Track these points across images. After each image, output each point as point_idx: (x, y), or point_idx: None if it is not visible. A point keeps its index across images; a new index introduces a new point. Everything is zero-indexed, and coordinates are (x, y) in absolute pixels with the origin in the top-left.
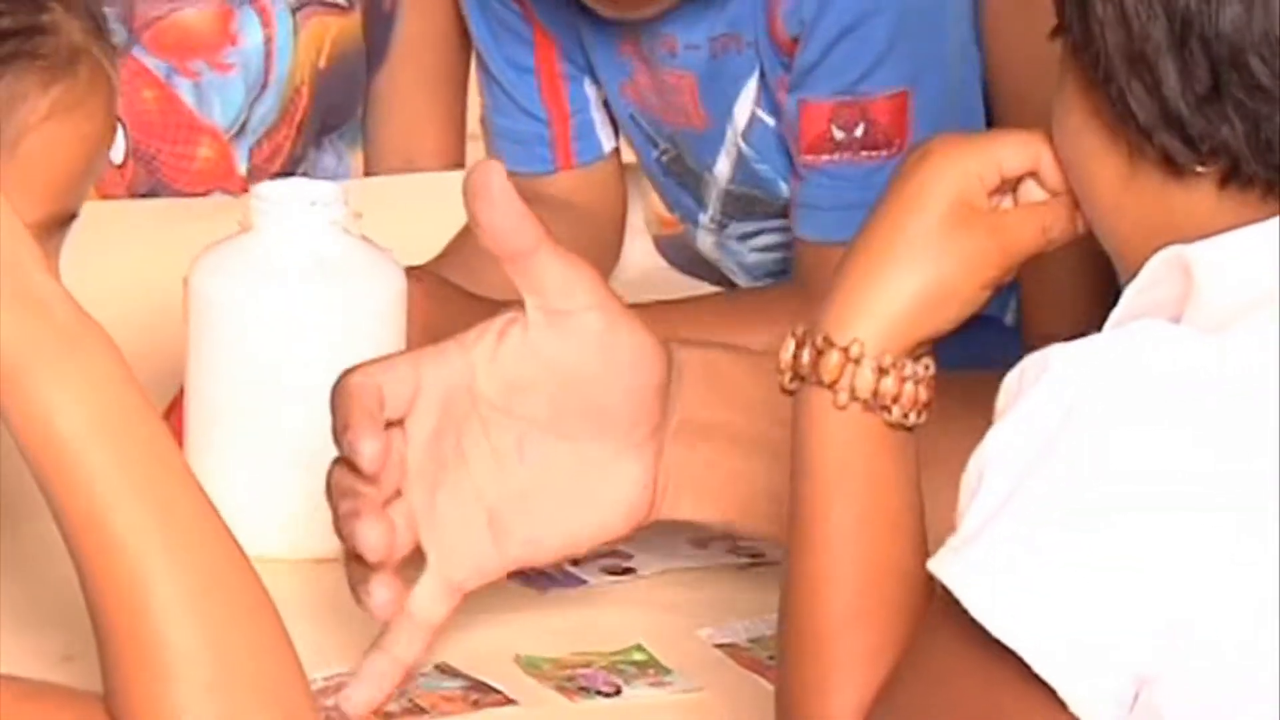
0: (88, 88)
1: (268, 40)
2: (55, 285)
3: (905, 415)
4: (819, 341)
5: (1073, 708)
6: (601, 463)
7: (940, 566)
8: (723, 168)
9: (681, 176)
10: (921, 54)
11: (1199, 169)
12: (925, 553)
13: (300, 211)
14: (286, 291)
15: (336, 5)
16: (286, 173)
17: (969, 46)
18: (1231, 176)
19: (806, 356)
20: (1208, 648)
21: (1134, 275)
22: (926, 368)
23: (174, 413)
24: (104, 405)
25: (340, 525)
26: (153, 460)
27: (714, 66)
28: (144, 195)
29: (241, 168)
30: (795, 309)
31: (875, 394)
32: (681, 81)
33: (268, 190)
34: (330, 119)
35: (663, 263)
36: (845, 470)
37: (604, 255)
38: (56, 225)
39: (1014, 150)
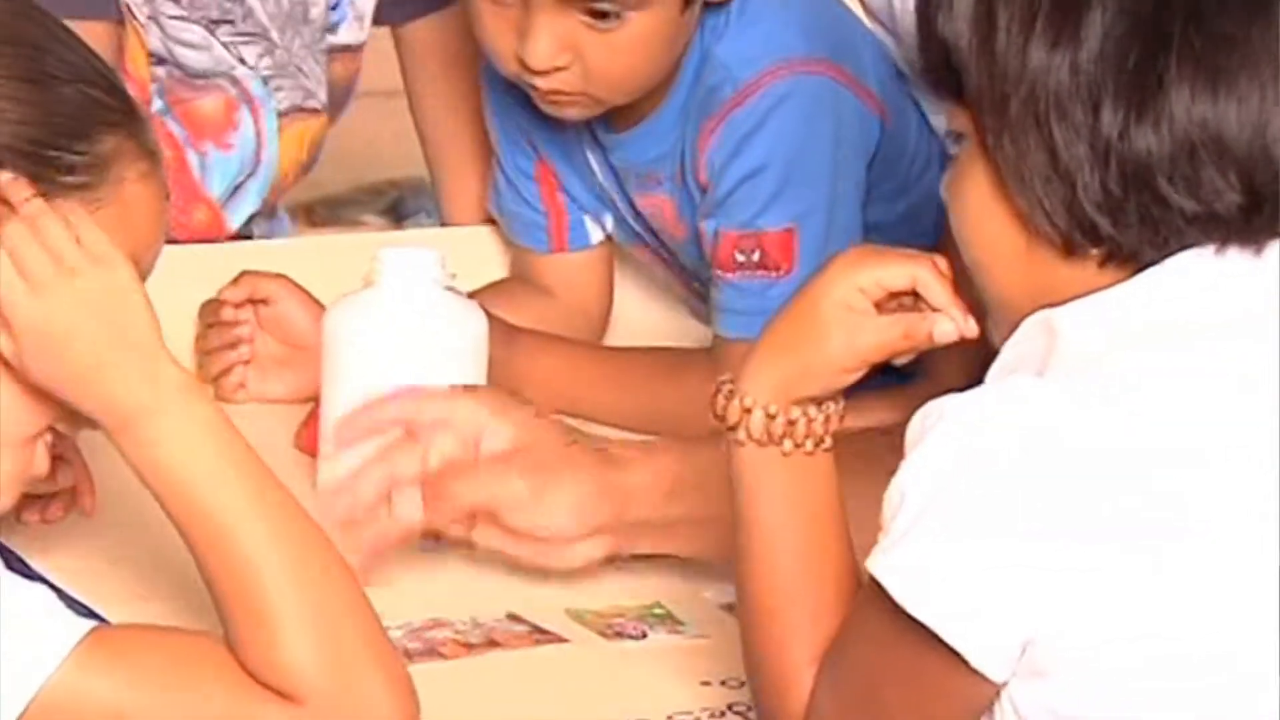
0: (162, 181)
1: (258, 134)
2: (166, 350)
3: (799, 446)
4: (727, 392)
5: (973, 663)
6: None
7: (872, 564)
8: (707, 272)
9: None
10: (805, 199)
11: (1089, 252)
12: (847, 534)
13: (411, 272)
14: (398, 332)
15: (313, 110)
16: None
17: (856, 187)
18: (1114, 255)
19: (721, 401)
20: (1065, 625)
21: (1010, 330)
22: (825, 410)
23: (310, 423)
24: (217, 439)
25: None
26: (250, 468)
27: (680, 192)
28: None
29: (232, 227)
30: (704, 372)
31: (767, 433)
32: (665, 205)
33: (387, 255)
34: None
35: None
36: (759, 485)
37: (590, 329)
38: None
39: (896, 270)
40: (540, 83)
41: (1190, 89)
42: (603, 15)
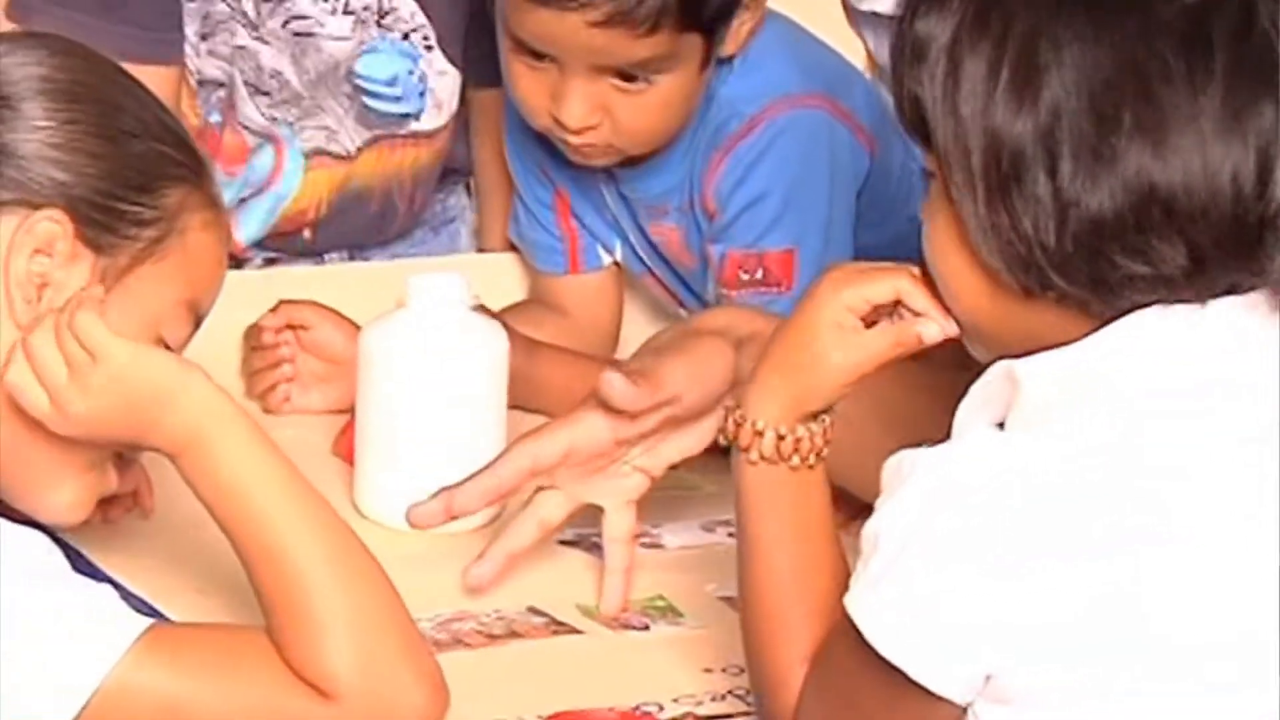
0: (225, 227)
1: (276, 167)
2: (204, 382)
3: (804, 461)
4: (738, 417)
5: (936, 692)
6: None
7: (849, 601)
8: (713, 291)
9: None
10: (804, 222)
11: (1047, 294)
12: (838, 540)
13: (438, 295)
14: (427, 348)
15: (339, 156)
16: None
17: (848, 212)
18: (1069, 297)
19: (731, 426)
20: (1031, 654)
21: (983, 352)
22: (822, 423)
23: (347, 432)
24: (264, 456)
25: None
26: (297, 485)
27: (688, 220)
28: None
29: (242, 235)
30: None
31: (777, 452)
32: (672, 234)
33: (418, 280)
34: (366, 235)
35: None
36: (770, 500)
37: (603, 344)
38: (190, 313)
39: (879, 286)
40: (574, 139)
41: (1138, 157)
42: (632, 79)
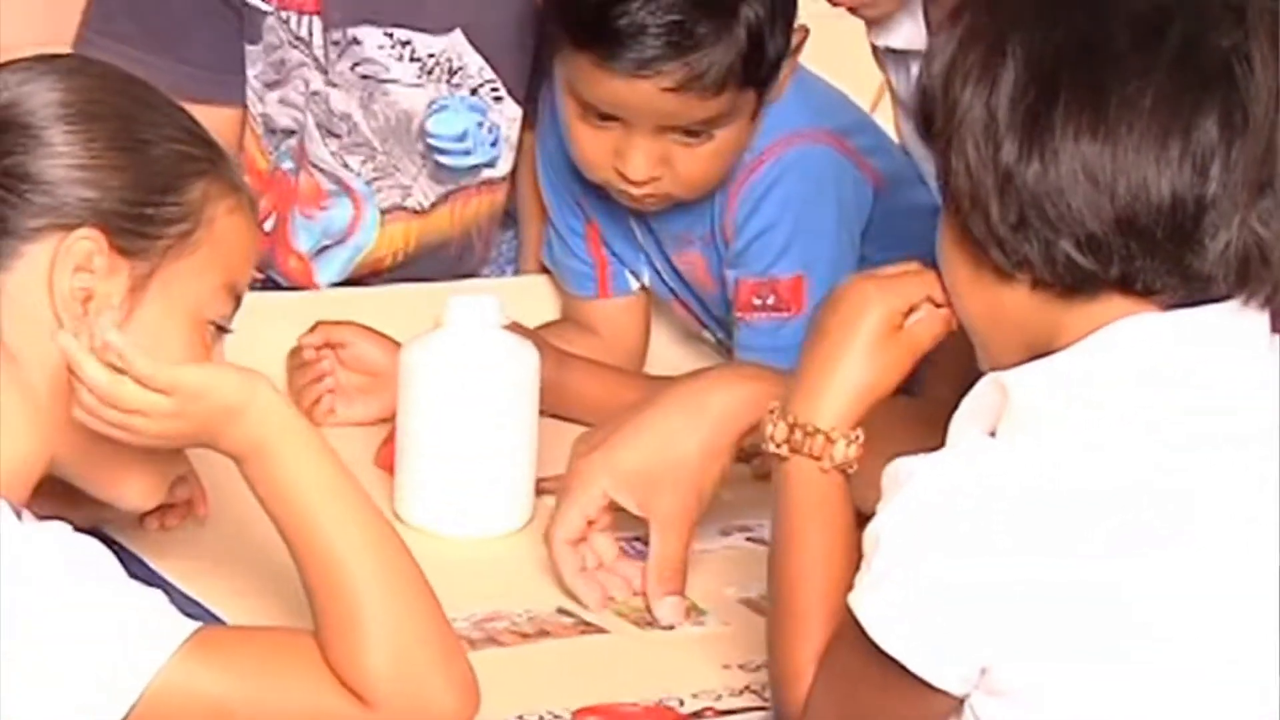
0: (249, 206)
1: (355, 219)
2: (268, 391)
3: (850, 466)
4: (809, 429)
5: (934, 685)
6: None
7: (853, 600)
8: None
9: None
10: (813, 250)
11: (1017, 275)
12: (857, 550)
13: (474, 315)
14: (464, 364)
15: (414, 210)
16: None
17: (854, 241)
18: (1038, 281)
19: (799, 436)
20: (1021, 649)
21: (985, 358)
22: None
23: (388, 444)
24: (322, 466)
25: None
26: (352, 495)
27: (710, 249)
28: (258, 266)
29: (321, 279)
30: None
31: (833, 457)
32: (697, 262)
33: (455, 301)
34: (444, 276)
35: None
36: (815, 504)
37: (630, 363)
38: (230, 294)
39: (915, 287)
40: (636, 191)
41: (1075, 133)
42: (695, 134)
